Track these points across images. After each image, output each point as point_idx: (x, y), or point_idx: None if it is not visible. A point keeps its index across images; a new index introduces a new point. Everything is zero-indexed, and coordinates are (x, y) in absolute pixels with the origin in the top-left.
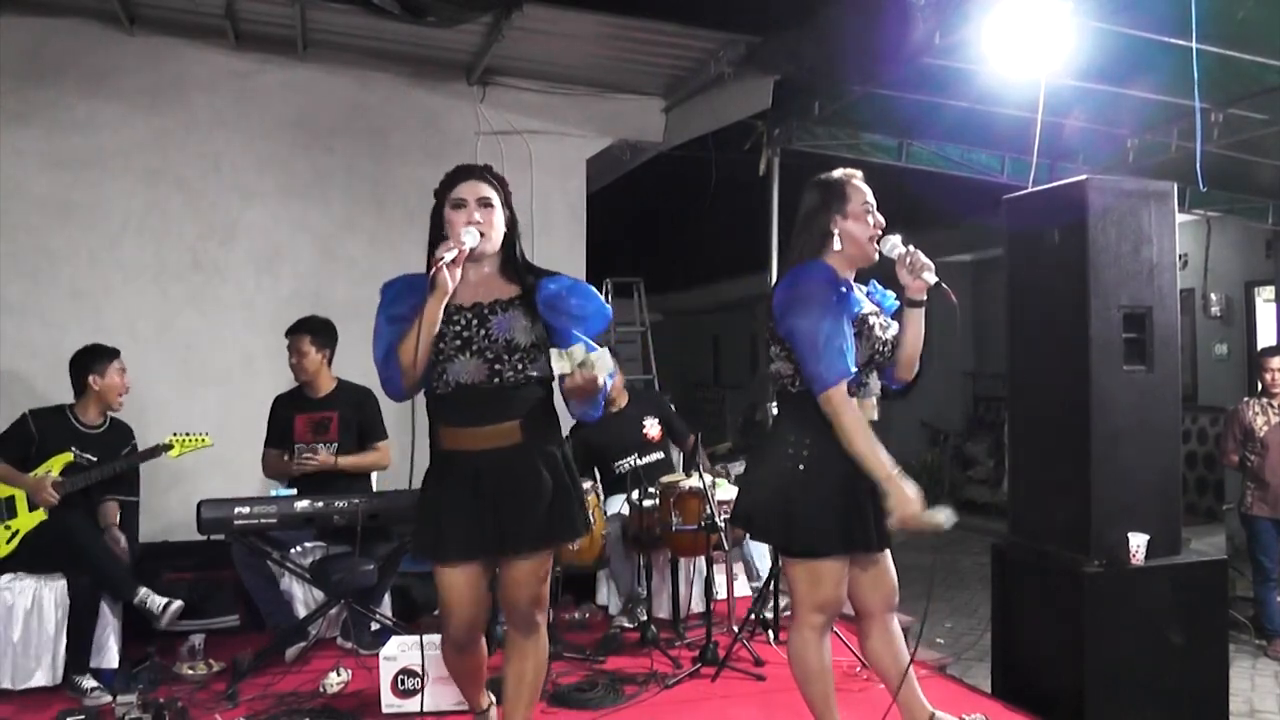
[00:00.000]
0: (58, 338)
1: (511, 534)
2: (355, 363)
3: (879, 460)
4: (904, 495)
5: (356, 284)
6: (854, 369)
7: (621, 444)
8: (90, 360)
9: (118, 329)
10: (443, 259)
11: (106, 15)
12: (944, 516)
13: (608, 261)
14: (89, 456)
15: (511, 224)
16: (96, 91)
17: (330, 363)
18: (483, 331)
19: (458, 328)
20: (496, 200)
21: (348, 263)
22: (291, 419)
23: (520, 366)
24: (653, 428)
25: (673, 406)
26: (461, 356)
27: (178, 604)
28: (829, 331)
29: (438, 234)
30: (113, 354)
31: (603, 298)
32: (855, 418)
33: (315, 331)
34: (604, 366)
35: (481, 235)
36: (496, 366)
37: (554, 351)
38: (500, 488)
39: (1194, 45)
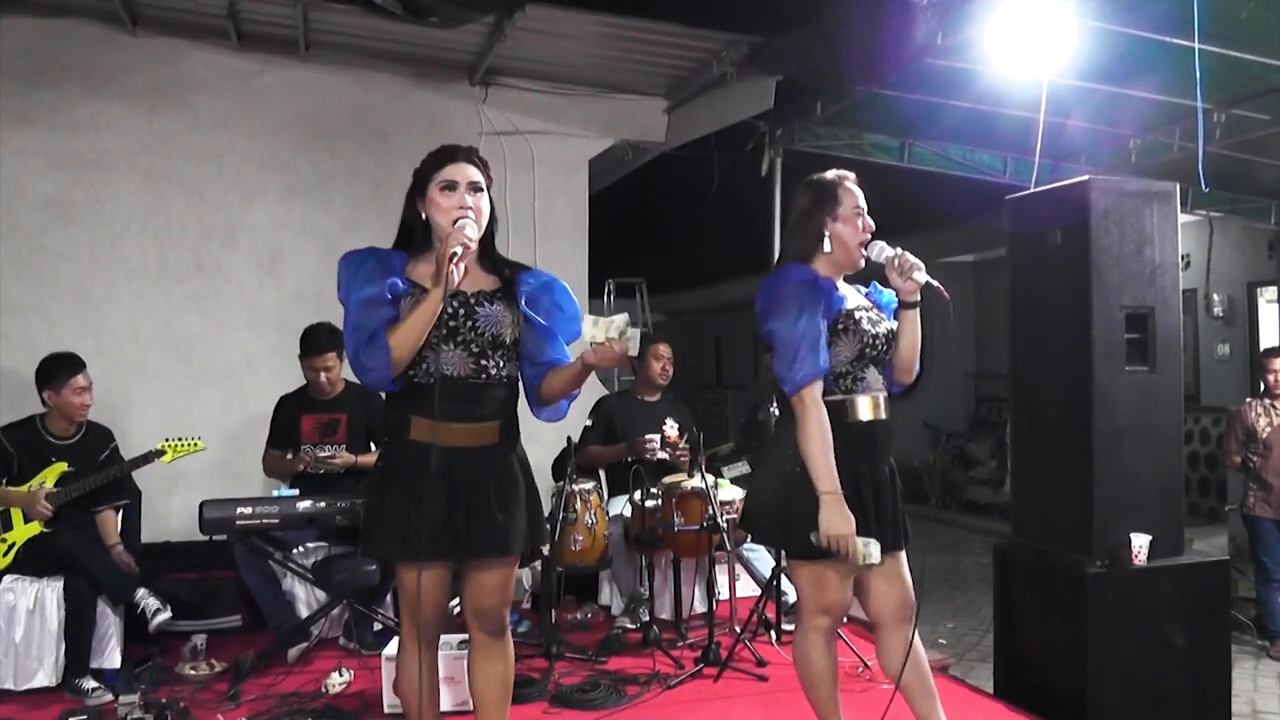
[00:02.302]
0: (60, 338)
1: (492, 537)
2: None
3: (827, 472)
4: (838, 516)
5: None
6: (825, 367)
7: (641, 430)
8: (47, 376)
9: (120, 329)
10: (455, 253)
11: (109, 16)
12: (873, 550)
13: (610, 262)
14: (69, 469)
15: (491, 211)
16: (99, 92)
17: None
18: (470, 323)
19: (444, 315)
20: (484, 185)
21: None
22: (298, 420)
23: (502, 364)
24: (672, 429)
25: (694, 426)
26: (446, 347)
27: (165, 614)
28: (801, 332)
29: (414, 215)
30: (72, 370)
31: (603, 299)
32: (819, 423)
33: (338, 346)
34: (635, 343)
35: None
36: (483, 362)
37: (590, 319)
38: (481, 489)
39: (1196, 45)
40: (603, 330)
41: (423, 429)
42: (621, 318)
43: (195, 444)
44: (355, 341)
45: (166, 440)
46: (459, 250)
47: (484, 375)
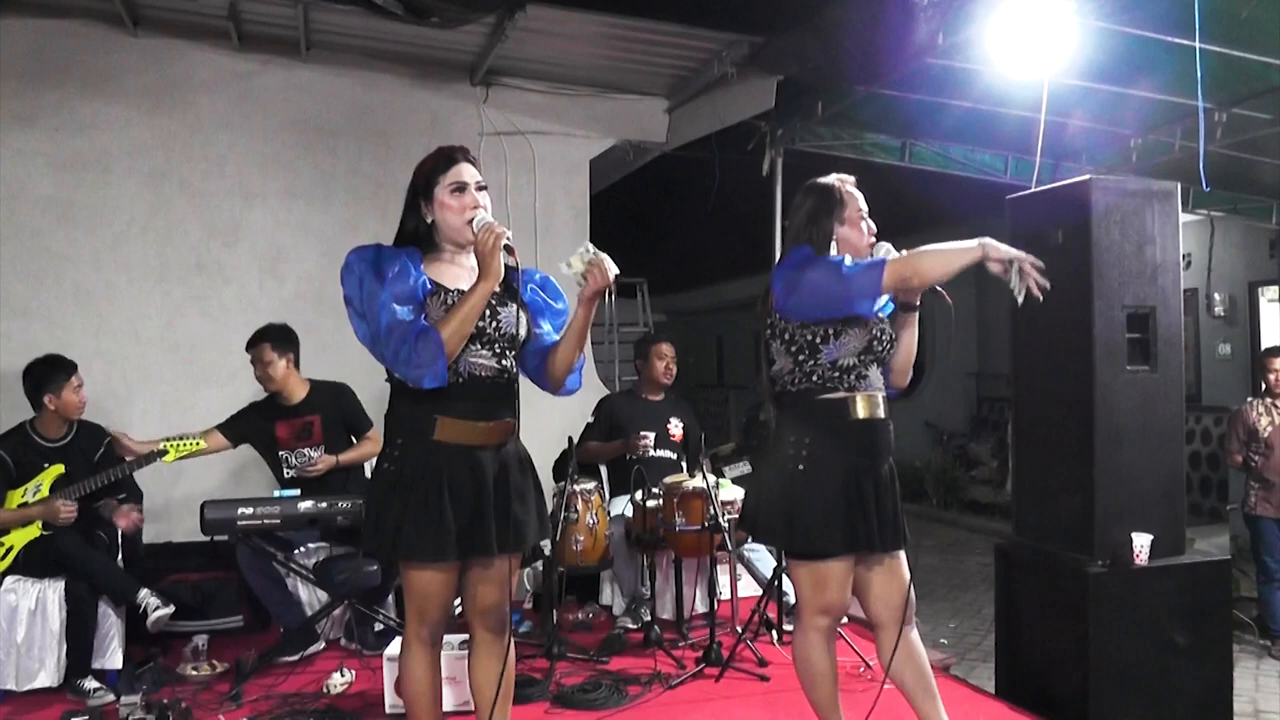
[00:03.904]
0: (62, 339)
1: (512, 531)
2: (360, 361)
3: (958, 252)
4: (997, 246)
5: None
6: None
7: (645, 426)
8: (45, 379)
9: (121, 330)
10: (506, 238)
11: (109, 16)
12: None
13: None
14: (65, 470)
15: None
16: (100, 93)
17: (297, 365)
18: (495, 323)
19: None
20: (485, 183)
21: None
22: (272, 427)
23: (514, 361)
24: (676, 428)
25: (701, 430)
26: (474, 346)
27: (163, 612)
28: (841, 261)
29: (418, 219)
30: (69, 369)
31: (604, 299)
32: (914, 254)
33: (274, 339)
34: (610, 262)
35: None
36: (504, 361)
37: (562, 264)
38: (503, 486)
39: (1197, 45)
40: (579, 261)
41: (450, 429)
42: (584, 244)
43: (198, 443)
44: (398, 337)
45: (168, 440)
46: (510, 237)
47: (505, 375)
